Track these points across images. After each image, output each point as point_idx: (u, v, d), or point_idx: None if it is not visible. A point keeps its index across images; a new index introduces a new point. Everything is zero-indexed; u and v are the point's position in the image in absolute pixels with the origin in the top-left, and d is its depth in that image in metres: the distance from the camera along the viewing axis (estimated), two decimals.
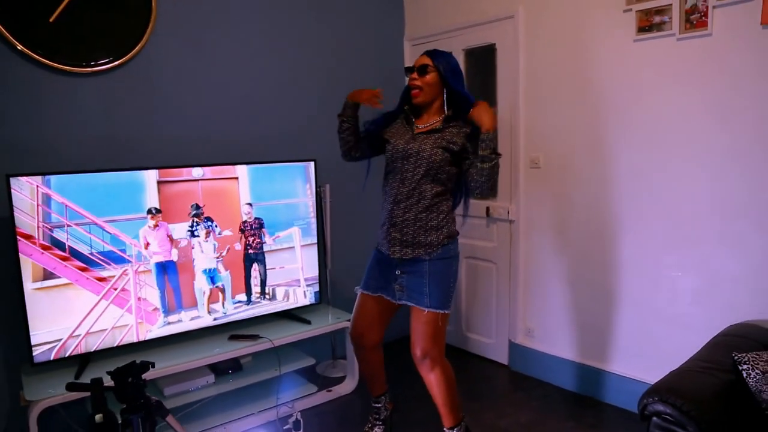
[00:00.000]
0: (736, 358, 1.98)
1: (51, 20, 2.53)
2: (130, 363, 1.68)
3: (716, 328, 2.34)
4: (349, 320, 3.06)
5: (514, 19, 3.17)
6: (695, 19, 2.47)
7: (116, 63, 2.71)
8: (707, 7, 2.42)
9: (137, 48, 2.76)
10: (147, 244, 2.61)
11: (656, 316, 2.75)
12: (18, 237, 2.30)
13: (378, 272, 2.43)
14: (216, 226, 2.80)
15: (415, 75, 2.28)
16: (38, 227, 2.35)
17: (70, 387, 1.68)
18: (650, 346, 2.78)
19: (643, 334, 2.81)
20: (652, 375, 2.01)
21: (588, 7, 2.84)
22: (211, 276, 2.82)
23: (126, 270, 2.55)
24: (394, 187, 2.33)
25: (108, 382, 1.66)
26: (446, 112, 2.31)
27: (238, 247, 2.89)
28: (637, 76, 2.70)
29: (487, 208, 3.45)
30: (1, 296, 2.51)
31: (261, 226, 2.94)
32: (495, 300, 3.52)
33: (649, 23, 2.61)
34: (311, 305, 3.20)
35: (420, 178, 2.26)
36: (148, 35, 2.78)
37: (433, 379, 2.34)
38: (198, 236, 2.75)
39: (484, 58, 3.43)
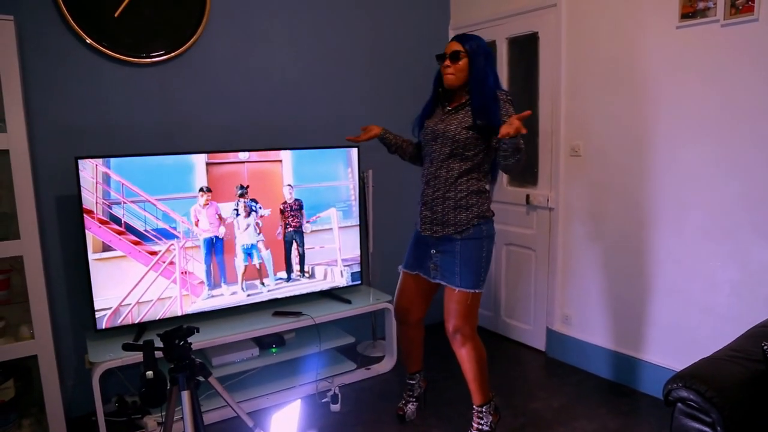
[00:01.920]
0: (765, 347, 1.96)
1: (116, 15, 2.74)
2: (177, 327, 1.85)
3: (755, 320, 2.31)
4: (388, 301, 3.20)
5: (557, 8, 3.17)
6: (741, 5, 2.42)
7: (172, 54, 2.90)
8: None
9: (192, 40, 2.94)
10: (197, 221, 2.80)
11: (693, 306, 2.73)
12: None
13: (416, 251, 2.54)
14: (260, 207, 2.96)
15: (448, 62, 2.32)
16: (97, 203, 2.57)
17: (126, 347, 1.87)
18: (686, 336, 2.76)
19: (679, 324, 2.79)
20: (688, 365, 2.02)
21: None
22: (248, 253, 2.98)
23: (172, 245, 2.75)
24: (426, 167, 2.44)
25: (158, 344, 1.84)
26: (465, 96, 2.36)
27: (279, 230, 3.04)
28: (679, 64, 2.66)
29: (527, 196, 3.48)
30: (69, 268, 2.77)
31: (300, 207, 3.09)
32: (533, 287, 3.55)
33: (692, 9, 2.57)
34: (352, 286, 3.32)
35: (446, 158, 2.34)
36: (202, 28, 2.96)
37: (464, 355, 2.44)
38: (239, 215, 2.91)
39: (526, 46, 3.44)
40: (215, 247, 2.86)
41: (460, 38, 2.35)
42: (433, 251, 2.45)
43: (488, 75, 2.32)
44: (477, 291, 2.38)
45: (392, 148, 2.67)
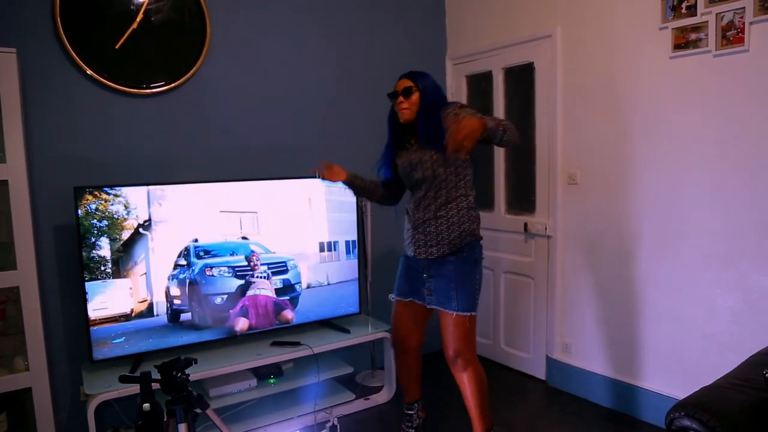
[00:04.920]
0: (767, 375, 1.95)
1: (117, 47, 2.78)
2: (175, 358, 1.83)
3: (756, 347, 2.30)
4: (387, 330, 3.18)
5: (552, 38, 3.23)
6: (732, 36, 2.47)
7: (172, 85, 2.94)
8: (744, 23, 2.42)
9: (192, 71, 2.98)
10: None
11: (694, 333, 2.71)
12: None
13: (407, 278, 2.56)
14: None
15: (401, 98, 2.40)
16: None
17: (123, 379, 1.85)
18: (688, 363, 2.74)
19: (680, 351, 2.78)
20: (689, 393, 2.01)
21: (624, 26, 2.87)
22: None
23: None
24: (414, 194, 2.48)
25: (155, 375, 1.81)
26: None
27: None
28: (673, 93, 2.71)
29: (525, 224, 3.49)
30: (65, 298, 2.75)
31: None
32: (533, 315, 3.53)
33: (685, 40, 2.62)
34: (351, 315, 3.30)
35: (431, 181, 2.38)
36: (202, 59, 3.00)
37: (465, 379, 2.43)
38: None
39: (522, 76, 3.49)
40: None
41: (409, 75, 2.44)
42: (425, 275, 2.46)
43: (435, 109, 2.38)
44: (473, 314, 2.40)
45: (361, 192, 2.68)
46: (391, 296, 2.65)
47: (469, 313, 2.38)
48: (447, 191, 2.39)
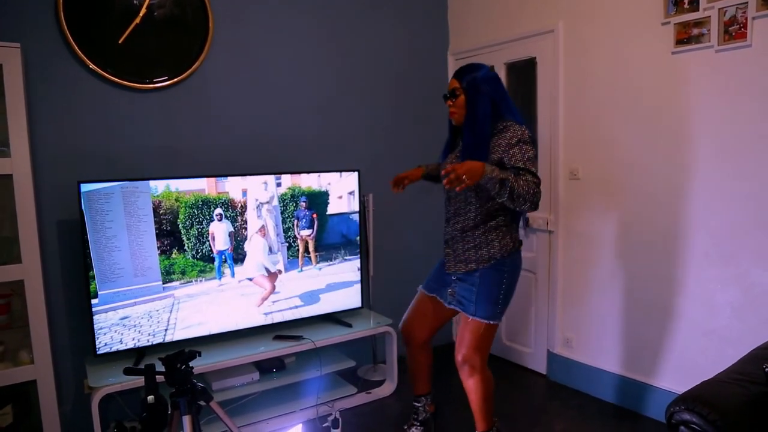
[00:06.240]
0: (767, 369, 1.96)
1: (120, 42, 2.78)
2: (179, 351, 1.85)
3: (757, 342, 2.31)
4: (389, 325, 3.20)
5: (554, 34, 3.23)
6: (734, 31, 2.47)
7: (175, 80, 2.94)
8: (746, 19, 2.42)
9: (195, 66, 2.99)
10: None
11: (694, 328, 2.72)
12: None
13: (438, 275, 2.52)
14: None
15: (450, 102, 2.31)
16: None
17: (127, 371, 1.86)
18: (688, 359, 2.75)
19: (681, 347, 2.79)
20: (690, 387, 2.01)
21: (626, 21, 2.87)
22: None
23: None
24: (446, 205, 2.43)
25: (160, 368, 1.83)
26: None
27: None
28: (675, 89, 2.71)
29: (527, 219, 3.49)
30: (69, 292, 2.77)
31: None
32: (534, 310, 3.55)
33: (687, 35, 2.62)
34: (353, 309, 3.32)
35: (463, 196, 2.32)
36: (205, 54, 3.01)
37: (471, 386, 2.40)
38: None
39: (525, 71, 3.50)
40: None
41: (458, 73, 2.31)
42: (453, 278, 2.42)
43: (480, 113, 2.22)
44: (492, 323, 2.32)
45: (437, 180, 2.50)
46: (420, 287, 2.62)
47: (486, 321, 2.31)
48: (476, 215, 2.31)
